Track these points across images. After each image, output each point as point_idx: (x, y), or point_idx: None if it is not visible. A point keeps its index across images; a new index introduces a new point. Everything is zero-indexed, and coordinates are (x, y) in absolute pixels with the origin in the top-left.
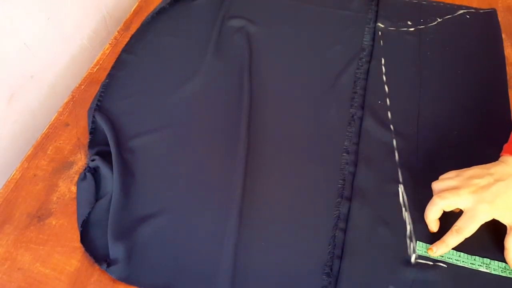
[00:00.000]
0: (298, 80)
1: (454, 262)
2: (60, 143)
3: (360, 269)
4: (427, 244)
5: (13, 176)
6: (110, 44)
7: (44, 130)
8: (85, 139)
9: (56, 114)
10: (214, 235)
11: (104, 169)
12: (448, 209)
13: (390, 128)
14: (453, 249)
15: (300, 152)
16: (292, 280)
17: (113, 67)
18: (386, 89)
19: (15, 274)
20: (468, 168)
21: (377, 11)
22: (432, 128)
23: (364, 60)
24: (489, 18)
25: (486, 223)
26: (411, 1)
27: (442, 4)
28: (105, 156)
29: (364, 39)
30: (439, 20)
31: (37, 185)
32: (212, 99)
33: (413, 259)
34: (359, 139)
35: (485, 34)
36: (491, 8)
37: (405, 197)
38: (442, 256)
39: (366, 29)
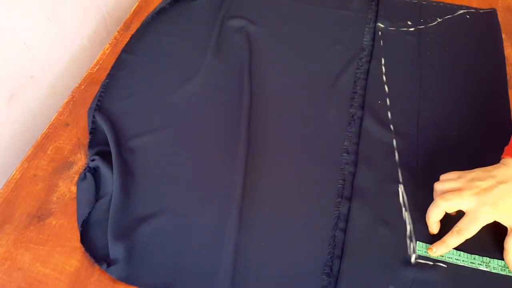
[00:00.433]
0: (298, 80)
1: (454, 261)
2: (60, 143)
3: (360, 269)
4: (427, 244)
5: (13, 176)
6: (110, 44)
7: (44, 130)
8: (85, 139)
9: (56, 114)
10: (214, 235)
11: (104, 169)
12: (450, 211)
13: (390, 128)
14: (453, 248)
15: (300, 152)
16: (292, 280)
17: (113, 67)
18: (386, 89)
19: (15, 274)
20: (471, 170)
21: (377, 11)
22: (432, 128)
23: (364, 60)
24: (489, 18)
25: (487, 224)
26: (411, 1)
27: (442, 4)
28: (105, 156)
29: (364, 39)
30: (439, 20)
31: (37, 185)
32: (212, 99)
33: (413, 259)
34: (359, 139)
35: (485, 34)
36: (491, 8)
37: (405, 197)
38: (442, 256)
39: (366, 29)
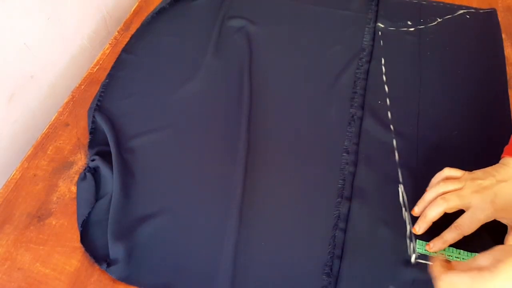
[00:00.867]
0: (298, 80)
1: (454, 259)
2: (60, 143)
3: (360, 269)
4: (427, 242)
5: (13, 176)
6: (110, 44)
7: (44, 130)
8: (85, 139)
9: (56, 114)
10: (214, 235)
11: (104, 169)
12: (450, 211)
13: (390, 128)
14: (453, 247)
15: (300, 152)
16: (292, 280)
17: (113, 67)
18: (386, 89)
19: (15, 274)
20: (472, 172)
21: (377, 11)
22: (432, 128)
23: (364, 60)
24: (489, 18)
25: (486, 222)
26: (411, 1)
27: (442, 4)
28: (105, 156)
29: (364, 39)
30: (439, 20)
31: (37, 185)
32: (212, 99)
33: (413, 259)
34: (359, 139)
35: (485, 34)
36: (491, 8)
37: (405, 197)
38: (442, 254)
39: (366, 29)
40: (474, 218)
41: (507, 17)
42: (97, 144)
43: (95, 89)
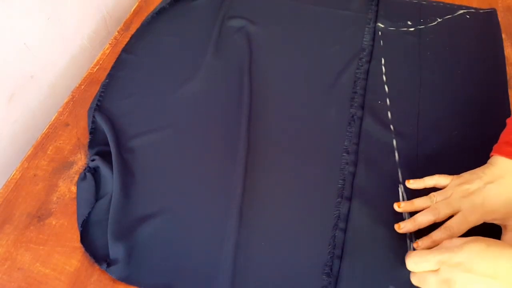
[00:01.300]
0: (298, 80)
1: None
2: (60, 143)
3: (360, 269)
4: None
5: (13, 176)
6: (110, 44)
7: (44, 130)
8: (85, 139)
9: (56, 114)
10: (214, 235)
11: (104, 169)
12: (440, 220)
13: (390, 128)
14: None
15: (300, 152)
16: (292, 280)
17: (113, 67)
18: (386, 89)
19: (15, 274)
20: (460, 175)
21: (377, 11)
22: (432, 128)
23: (364, 60)
24: (489, 18)
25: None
26: (411, 1)
27: (442, 4)
28: (105, 156)
29: (364, 39)
30: (439, 20)
31: (37, 185)
32: (212, 99)
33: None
34: (359, 139)
35: (485, 34)
36: (491, 8)
37: (405, 197)
38: None
39: (366, 29)
40: (463, 220)
41: (507, 17)
42: (97, 144)
43: (95, 89)
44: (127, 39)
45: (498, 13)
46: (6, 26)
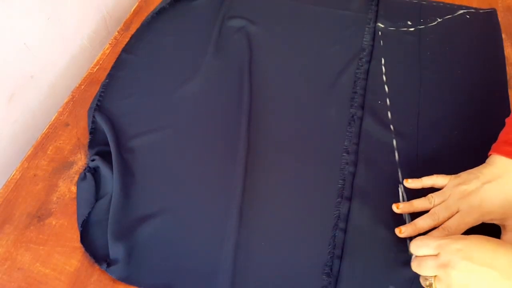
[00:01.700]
0: (298, 80)
1: None
2: (60, 143)
3: (360, 269)
4: None
5: (13, 176)
6: (110, 44)
7: (44, 130)
8: (85, 139)
9: (56, 114)
10: (214, 235)
11: (104, 169)
12: (439, 224)
13: (390, 128)
14: None
15: (300, 152)
16: (292, 280)
17: (113, 67)
18: (386, 89)
19: (15, 274)
20: (458, 175)
21: (377, 11)
22: (432, 128)
23: (364, 60)
24: (489, 18)
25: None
26: (411, 1)
27: (442, 4)
28: (105, 156)
29: (364, 39)
30: (439, 20)
31: (37, 185)
32: (212, 99)
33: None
34: (359, 139)
35: (485, 34)
36: (491, 8)
37: (405, 196)
38: None
39: (366, 29)
40: (461, 221)
41: (507, 17)
42: (97, 144)
43: (95, 89)
44: (127, 39)
45: (498, 13)
46: (6, 26)
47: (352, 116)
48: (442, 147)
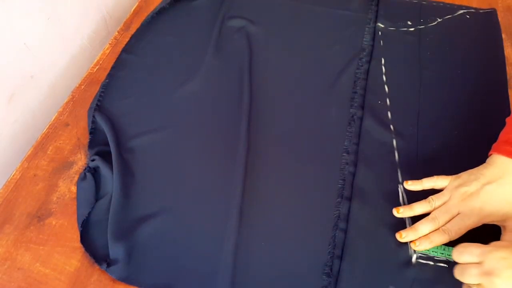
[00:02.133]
0: (298, 80)
1: (453, 259)
2: (60, 143)
3: (360, 269)
4: None
5: (13, 176)
6: (110, 44)
7: (44, 130)
8: (85, 139)
9: (56, 114)
10: (214, 235)
11: (104, 169)
12: (440, 226)
13: (390, 128)
14: (453, 247)
15: (300, 152)
16: (292, 280)
17: (113, 67)
18: (386, 89)
19: (15, 274)
20: (458, 176)
21: (377, 11)
22: (432, 128)
23: (364, 60)
24: (489, 18)
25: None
26: (411, 1)
27: (442, 4)
28: (105, 156)
29: (364, 39)
30: (439, 20)
31: (37, 185)
32: (212, 99)
33: (413, 259)
34: (359, 139)
35: (485, 34)
36: (491, 8)
37: (405, 197)
38: (442, 253)
39: (366, 29)
40: (462, 224)
41: (507, 17)
42: (97, 144)
43: (95, 89)
44: (127, 39)
45: (498, 13)
46: (6, 26)
47: (352, 116)
48: (442, 147)
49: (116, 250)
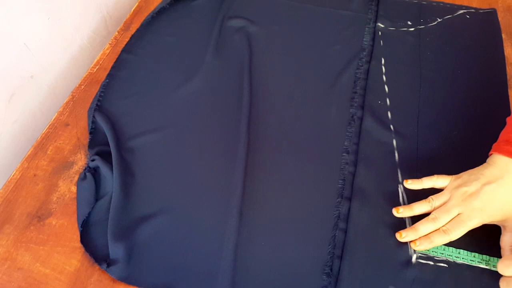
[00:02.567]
0: (298, 80)
1: (454, 259)
2: (60, 143)
3: (360, 269)
4: None
5: (13, 176)
6: (110, 44)
7: (44, 130)
8: (85, 139)
9: (56, 114)
10: (214, 235)
11: (104, 169)
12: (440, 227)
13: (390, 128)
14: (453, 247)
15: (300, 152)
16: (292, 280)
17: (113, 67)
18: (386, 89)
19: (15, 274)
20: (458, 176)
21: (377, 11)
22: (432, 128)
23: (364, 60)
24: (489, 18)
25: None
26: (411, 1)
27: (442, 4)
28: (105, 156)
29: (364, 39)
30: (439, 20)
31: (37, 185)
32: (212, 99)
33: (413, 259)
34: (359, 139)
35: (485, 34)
36: (491, 8)
37: (405, 197)
38: (442, 253)
39: (366, 29)
40: (462, 225)
41: (507, 17)
42: (97, 144)
43: (95, 89)
44: (127, 39)
45: (498, 13)
46: (6, 26)
47: (352, 116)
48: (442, 147)
49: (116, 250)
